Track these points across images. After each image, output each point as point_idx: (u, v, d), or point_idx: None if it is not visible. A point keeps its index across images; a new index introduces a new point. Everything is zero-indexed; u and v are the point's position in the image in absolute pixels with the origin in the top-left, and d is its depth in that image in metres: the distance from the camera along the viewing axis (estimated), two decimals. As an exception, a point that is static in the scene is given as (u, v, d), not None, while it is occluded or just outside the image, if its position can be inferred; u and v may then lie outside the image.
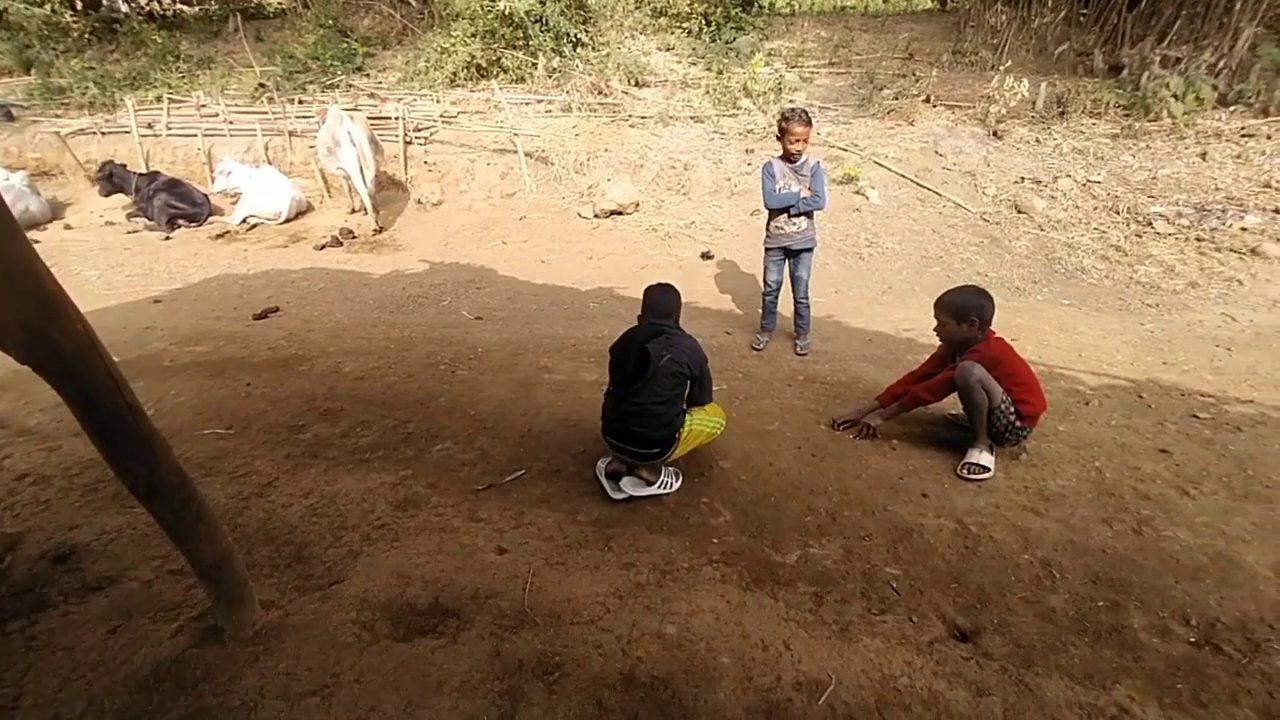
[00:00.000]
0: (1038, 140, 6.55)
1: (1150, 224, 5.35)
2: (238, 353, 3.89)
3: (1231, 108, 6.44)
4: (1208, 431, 2.86)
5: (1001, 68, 7.21)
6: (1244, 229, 5.08)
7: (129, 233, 7.09)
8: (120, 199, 7.51)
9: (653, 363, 2.25)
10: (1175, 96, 6.34)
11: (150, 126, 8.34)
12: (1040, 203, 5.76)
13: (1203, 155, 5.97)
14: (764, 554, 2.14)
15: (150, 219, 7.13)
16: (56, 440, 2.76)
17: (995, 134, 6.66)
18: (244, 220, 7.13)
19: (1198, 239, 5.12)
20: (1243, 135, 6.12)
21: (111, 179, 7.34)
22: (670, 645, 1.72)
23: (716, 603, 1.89)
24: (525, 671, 1.60)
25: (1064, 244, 5.32)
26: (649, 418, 2.29)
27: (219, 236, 6.91)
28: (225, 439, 2.82)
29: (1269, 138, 6.00)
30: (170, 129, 8.32)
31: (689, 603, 1.88)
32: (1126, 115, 6.63)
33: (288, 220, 7.22)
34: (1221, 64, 6.72)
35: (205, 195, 7.47)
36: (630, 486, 2.38)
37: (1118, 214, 5.55)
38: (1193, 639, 1.81)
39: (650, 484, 2.39)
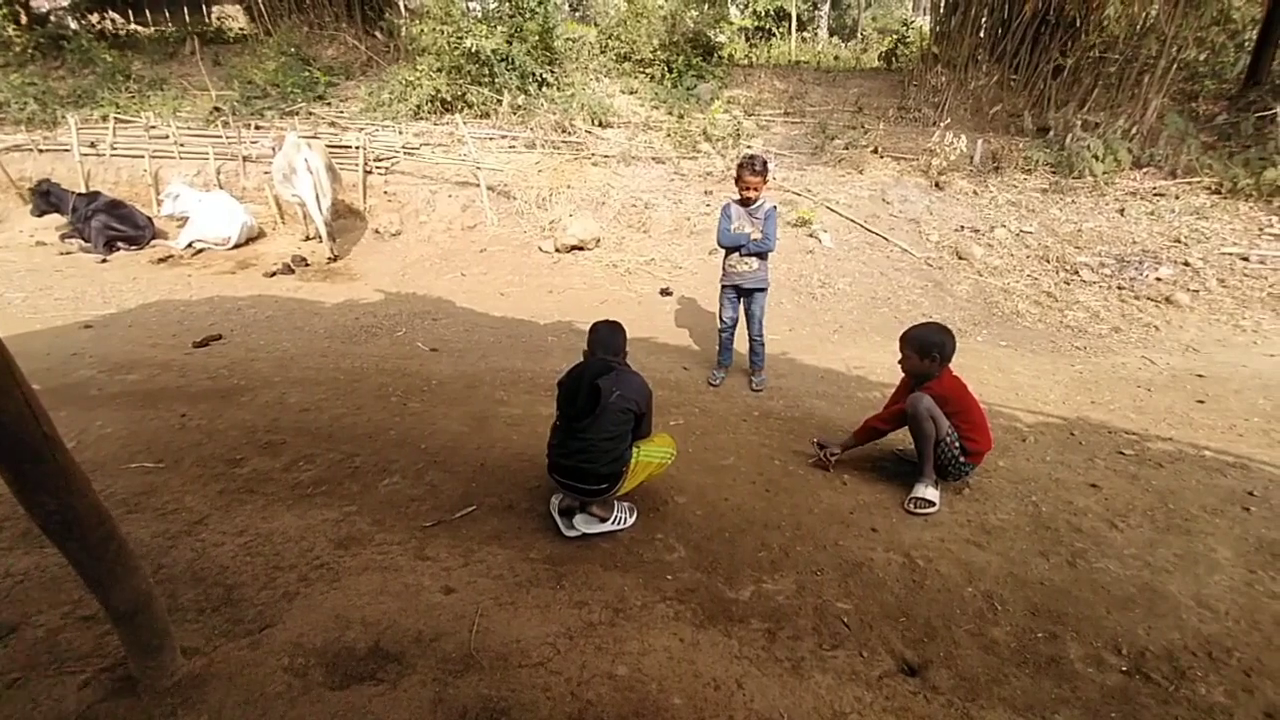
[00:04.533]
0: (975, 192, 7.00)
1: (1077, 272, 5.75)
2: (174, 382, 3.70)
3: (1144, 169, 7.07)
4: (1133, 467, 3.04)
5: (942, 124, 7.73)
6: (1159, 279, 5.51)
7: (61, 254, 6.74)
8: (55, 219, 7.14)
9: (603, 398, 2.24)
10: (1096, 157, 6.92)
11: (93, 145, 8.03)
12: (979, 250, 6.12)
13: (1121, 211, 6.50)
14: (718, 590, 2.13)
15: (86, 240, 6.80)
16: (-40, 474, 2.54)
17: (937, 185, 7.09)
18: (189, 245, 6.88)
19: (1119, 287, 5.52)
20: (1155, 194, 6.70)
21: (48, 197, 6.98)
22: (621, 687, 1.67)
23: (669, 641, 1.86)
24: (469, 719, 1.53)
25: (1001, 289, 5.65)
26: (597, 453, 2.26)
27: (161, 261, 6.63)
28: (154, 473, 2.66)
29: (1177, 197, 6.59)
30: (115, 149, 8.03)
31: (641, 642, 1.85)
32: (1054, 172, 7.17)
33: (237, 246, 7.00)
34: (1134, 129, 7.40)
35: (149, 218, 7.19)
36: (583, 524, 2.35)
37: (1048, 262, 5.95)
38: (1124, 668, 1.88)
39: (604, 520, 2.36)
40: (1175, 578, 2.26)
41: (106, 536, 1.42)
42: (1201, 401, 3.77)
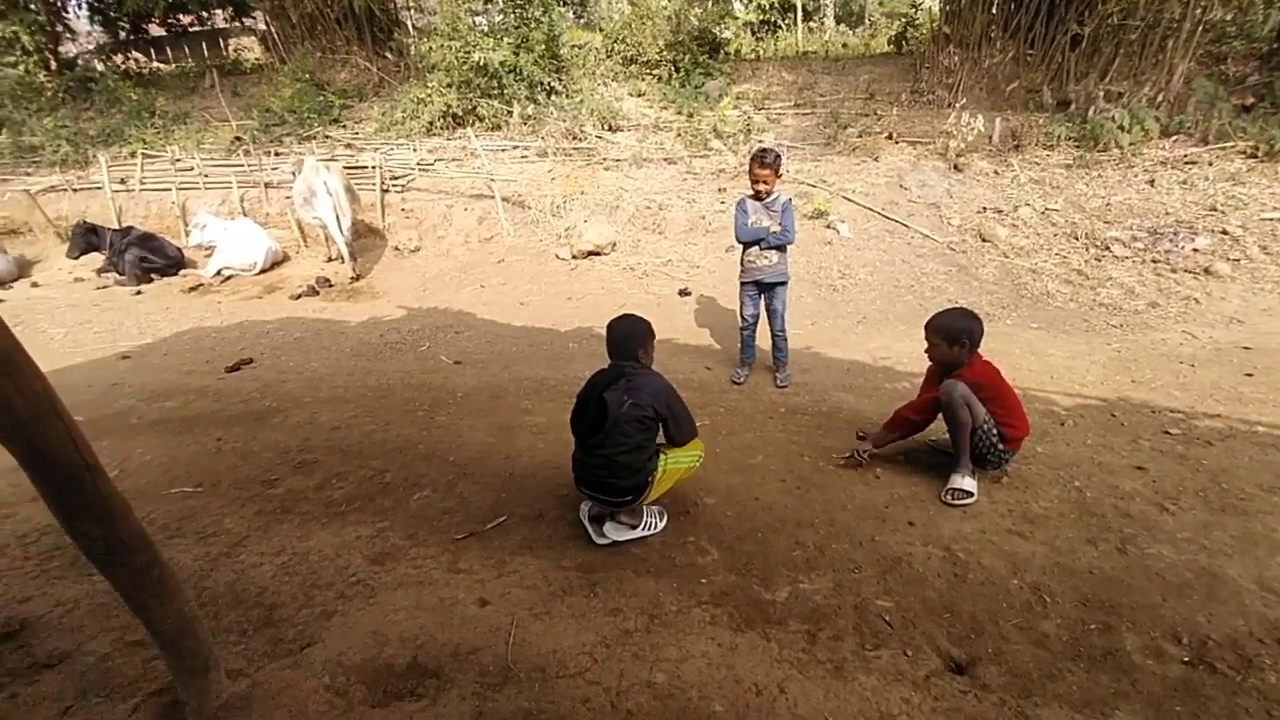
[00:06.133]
0: (996, 172, 6.83)
1: (1108, 248, 5.56)
2: (209, 407, 3.80)
3: (1173, 137, 6.81)
4: (1180, 447, 2.91)
5: (957, 105, 7.56)
6: (1195, 250, 5.30)
7: (98, 289, 6.99)
8: (91, 257, 7.39)
9: (611, 411, 2.13)
10: (1122, 128, 6.69)
11: (123, 182, 8.32)
12: (1003, 231, 5.96)
13: (1151, 182, 6.27)
14: (754, 592, 2.10)
15: (121, 274, 7.04)
16: (13, 506, 2.64)
17: (956, 167, 6.93)
18: (218, 272, 7.07)
19: (1154, 261, 5.33)
20: (1186, 163, 6.46)
21: (90, 236, 7.21)
22: (661, 695, 1.65)
23: (707, 646, 1.83)
24: (509, 732, 1.53)
25: (1028, 270, 5.49)
26: (616, 467, 2.19)
27: (192, 289, 6.83)
28: (193, 497, 2.72)
29: (1210, 164, 6.34)
30: (144, 184, 8.31)
31: (679, 648, 1.82)
32: (1077, 146, 6.96)
33: (263, 271, 7.18)
34: (1160, 97, 7.14)
35: (179, 249, 7.42)
36: (613, 532, 2.32)
37: (1077, 239, 5.76)
38: (1186, 658, 1.79)
39: (634, 528, 2.34)
40: (1234, 561, 2.16)
41: (149, 562, 1.45)
42: (1250, 375, 3.60)
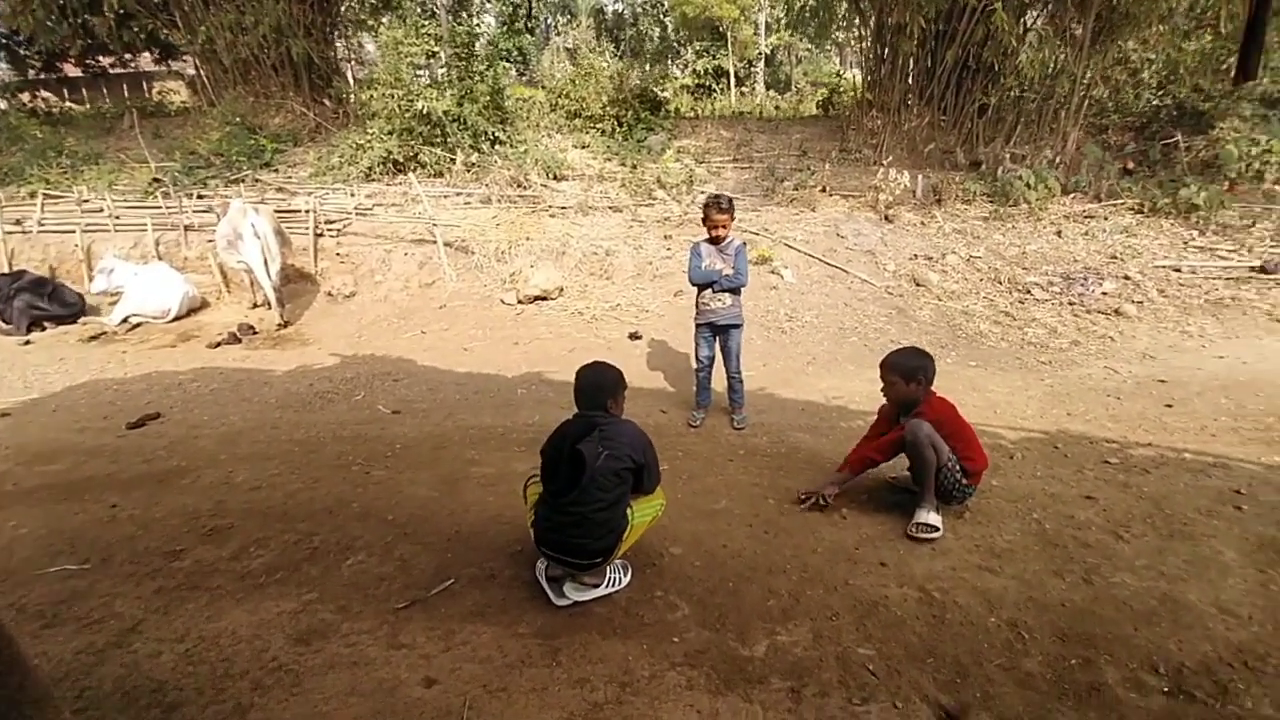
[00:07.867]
0: (923, 223, 7.28)
1: (1029, 292, 5.97)
2: (103, 469, 3.35)
3: (1072, 195, 7.52)
4: (1121, 475, 3.02)
5: (884, 163, 8.10)
6: (1105, 293, 5.76)
7: (-22, 339, 6.23)
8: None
9: (588, 465, 1.99)
10: (1028, 186, 7.33)
11: (19, 223, 7.60)
12: (934, 276, 6.30)
13: (1058, 233, 6.85)
14: (730, 648, 1.95)
15: (8, 322, 6.32)
16: None
17: (887, 218, 7.35)
18: (124, 320, 6.46)
19: (1070, 303, 5.74)
20: (1085, 217, 7.11)
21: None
22: (639, 777, 1.46)
23: (686, 715, 1.66)
24: (464, 840, 1.29)
25: (961, 312, 5.79)
26: (590, 526, 2.02)
27: (92, 339, 6.19)
28: (78, 576, 2.33)
29: (1106, 218, 7.01)
30: (43, 225, 7.62)
31: None
32: (991, 201, 7.55)
33: (178, 318, 6.63)
34: (1058, 159, 7.92)
35: (79, 295, 6.77)
36: (574, 593, 2.13)
37: (1000, 284, 6.16)
38: (1166, 689, 1.77)
39: (596, 586, 2.15)
40: (1191, 585, 2.20)
41: (8, 664, 1.16)
42: (1169, 405, 3.85)
